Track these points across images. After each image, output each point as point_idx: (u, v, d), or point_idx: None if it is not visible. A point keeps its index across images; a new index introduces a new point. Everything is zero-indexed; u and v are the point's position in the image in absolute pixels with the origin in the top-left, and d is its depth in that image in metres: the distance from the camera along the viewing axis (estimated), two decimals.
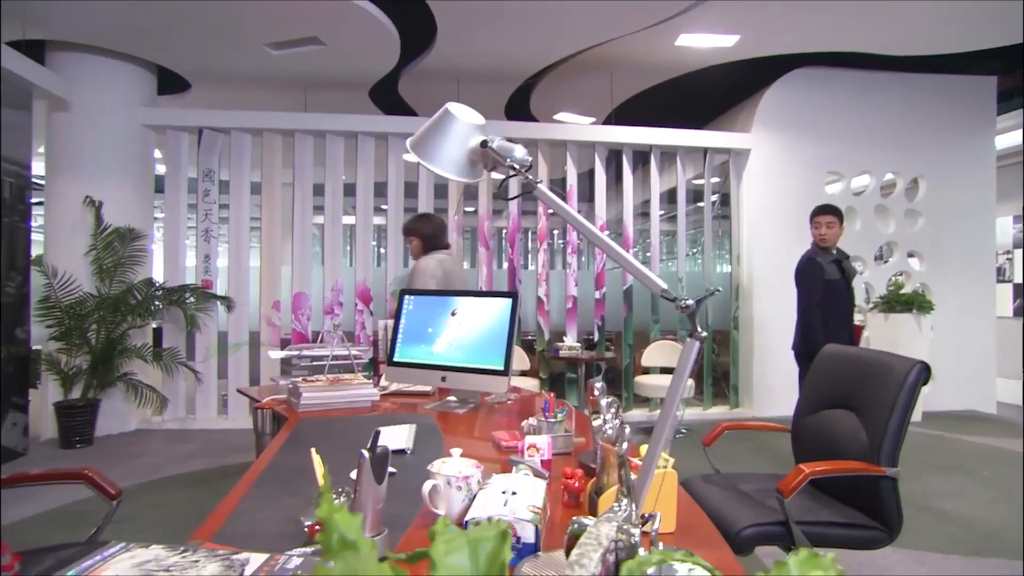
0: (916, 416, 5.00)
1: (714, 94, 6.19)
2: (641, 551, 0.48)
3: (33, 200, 4.57)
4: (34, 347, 4.61)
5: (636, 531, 0.47)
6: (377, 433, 0.88)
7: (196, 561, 0.71)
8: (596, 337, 5.70)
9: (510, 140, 1.02)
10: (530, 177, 0.87)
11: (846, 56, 5.36)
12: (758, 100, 5.85)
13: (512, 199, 5.03)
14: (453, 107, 0.93)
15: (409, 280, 3.42)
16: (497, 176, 0.97)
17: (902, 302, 5.24)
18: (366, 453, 0.85)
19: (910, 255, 6.05)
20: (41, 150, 5.06)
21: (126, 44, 4.84)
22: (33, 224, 4.57)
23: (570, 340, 5.47)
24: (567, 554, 0.52)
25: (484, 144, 0.91)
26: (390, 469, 1.38)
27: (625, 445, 0.65)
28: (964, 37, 4.87)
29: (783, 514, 1.73)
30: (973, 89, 5.94)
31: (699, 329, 0.75)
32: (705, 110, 6.63)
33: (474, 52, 5.14)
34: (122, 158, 5.07)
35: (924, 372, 1.78)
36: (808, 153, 5.82)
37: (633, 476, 1.06)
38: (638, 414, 5.65)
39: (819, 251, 3.67)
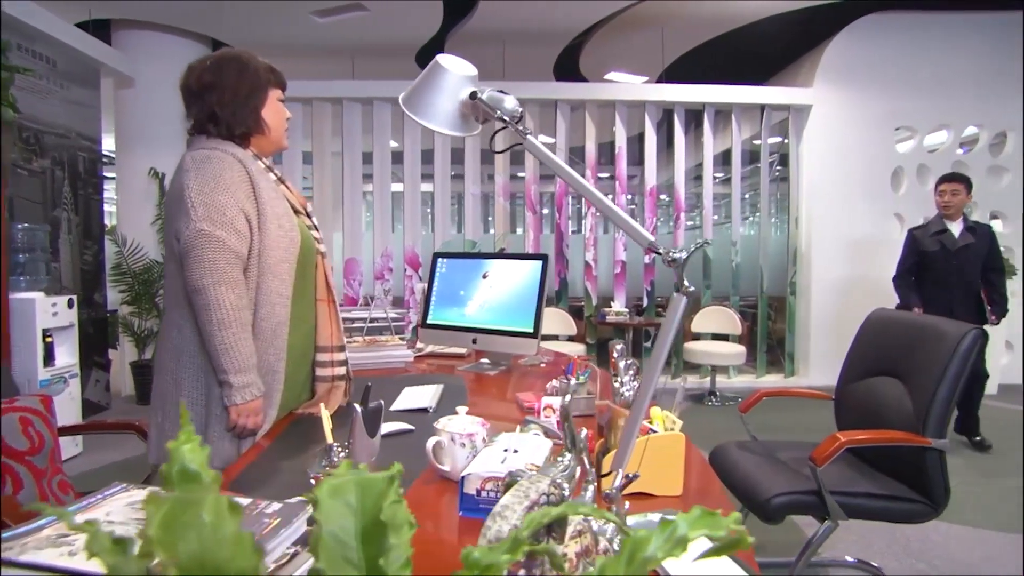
0: (991, 389, 4.69)
1: (772, 48, 5.82)
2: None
3: (105, 174, 4.85)
4: (112, 310, 4.95)
5: (567, 486, 0.46)
6: (368, 388, 0.89)
7: None
8: (645, 303, 5.60)
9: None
10: (520, 128, 0.84)
11: None
12: (821, 52, 5.46)
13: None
14: (443, 59, 0.90)
15: None
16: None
17: None
18: (359, 408, 0.87)
19: (993, 216, 5.58)
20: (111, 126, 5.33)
21: (183, 19, 4.99)
22: (105, 196, 4.86)
23: (618, 305, 5.38)
24: None
25: (473, 96, 0.88)
26: (408, 426, 1.41)
27: (568, 398, 0.63)
28: None
29: (816, 483, 1.68)
30: None
31: (686, 284, 0.71)
32: (762, 66, 6.25)
33: (519, 10, 5.01)
34: (182, 130, 5.26)
35: (980, 339, 1.65)
36: (877, 107, 5.42)
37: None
38: (688, 381, 5.54)
39: (940, 219, 3.70)
